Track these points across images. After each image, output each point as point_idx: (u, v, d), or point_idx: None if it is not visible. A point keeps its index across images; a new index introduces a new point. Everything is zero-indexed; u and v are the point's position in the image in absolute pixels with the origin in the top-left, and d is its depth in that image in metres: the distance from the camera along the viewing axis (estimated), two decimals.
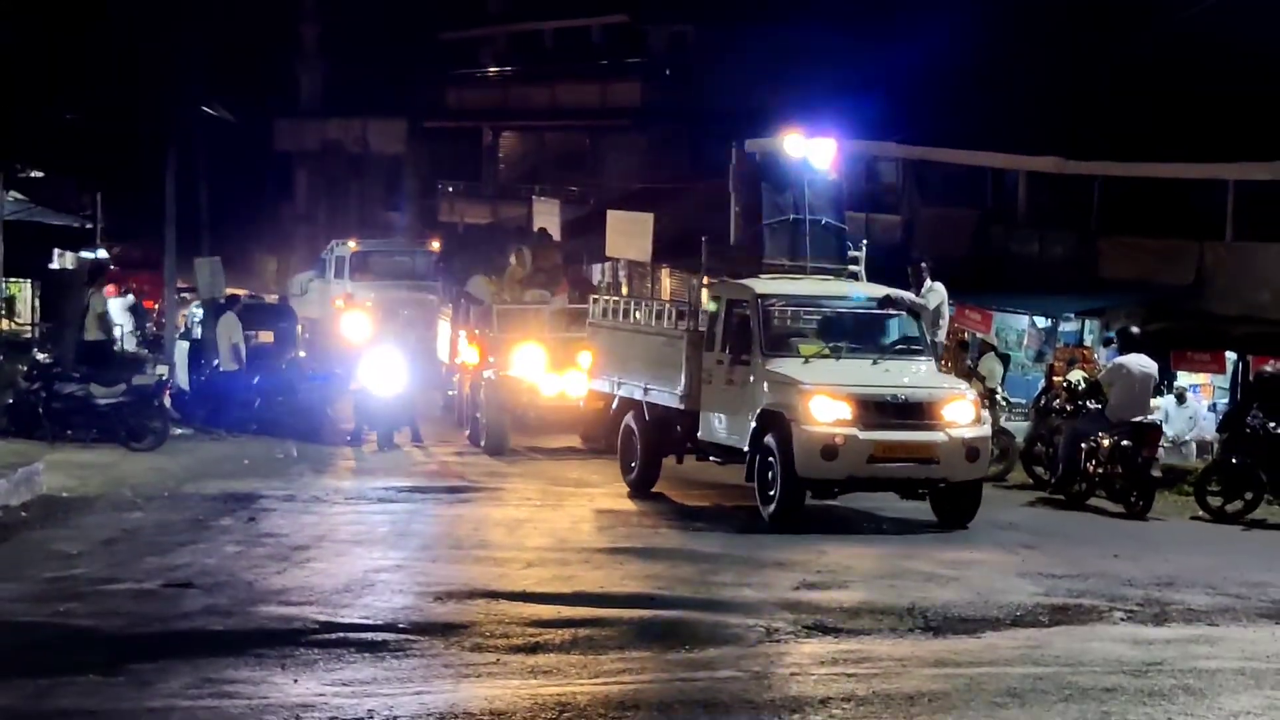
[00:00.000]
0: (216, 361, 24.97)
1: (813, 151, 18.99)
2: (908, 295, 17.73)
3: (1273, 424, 17.50)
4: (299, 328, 28.18)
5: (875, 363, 16.23)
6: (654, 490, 18.09)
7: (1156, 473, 17.60)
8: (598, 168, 44.47)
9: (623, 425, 18.35)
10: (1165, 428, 20.31)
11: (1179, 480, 19.17)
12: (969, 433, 15.62)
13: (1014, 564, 13.54)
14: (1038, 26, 31.01)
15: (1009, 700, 8.65)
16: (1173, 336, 23.70)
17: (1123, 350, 18.07)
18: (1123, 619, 11.28)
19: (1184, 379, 24.65)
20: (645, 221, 35.63)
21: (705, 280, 18.21)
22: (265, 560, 12.76)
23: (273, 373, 24.54)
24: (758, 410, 15.88)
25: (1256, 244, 25.00)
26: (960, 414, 15.70)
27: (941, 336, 18.66)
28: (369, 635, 9.96)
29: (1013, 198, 29.80)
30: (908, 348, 16.82)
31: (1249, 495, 17.39)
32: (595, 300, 20.47)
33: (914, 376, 16.25)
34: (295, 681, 8.69)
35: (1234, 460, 17.60)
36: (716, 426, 16.85)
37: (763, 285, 17.17)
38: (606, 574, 12.48)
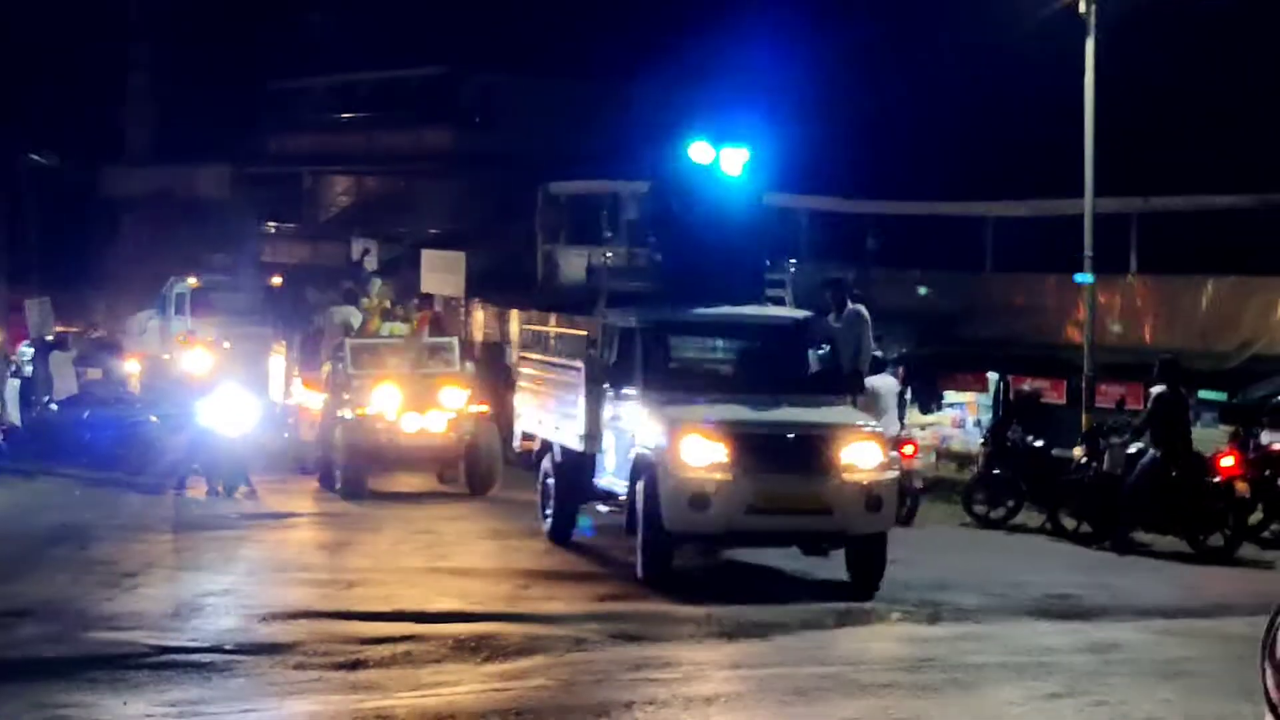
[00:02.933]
0: (48, 398, 24.31)
1: (725, 159, 15.04)
2: (825, 320, 15.10)
3: (1030, 437, 18.01)
4: (136, 366, 27.54)
5: (776, 398, 13.34)
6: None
7: (917, 483, 17.93)
8: (413, 209, 44.20)
9: (541, 468, 15.71)
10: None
11: (949, 490, 19.64)
12: (871, 478, 12.72)
13: (800, 572, 13.71)
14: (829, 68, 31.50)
15: (796, 698, 8.75)
16: (941, 359, 24.30)
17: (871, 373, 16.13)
18: (899, 619, 11.50)
19: (950, 397, 25.23)
20: (458, 260, 35.45)
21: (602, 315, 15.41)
22: (96, 587, 12.42)
23: (103, 408, 23.94)
24: (632, 454, 13.23)
25: (1015, 274, 25.72)
26: (861, 456, 12.75)
27: (864, 368, 15.22)
28: (196, 657, 9.74)
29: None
30: (821, 381, 14.03)
31: (1010, 503, 17.86)
32: (525, 328, 18.41)
33: (816, 413, 13.22)
34: (125, 704, 8.47)
35: (996, 471, 18.06)
36: (607, 470, 14.19)
37: (648, 312, 14.37)
38: (423, 592, 12.37)
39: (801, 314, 14.71)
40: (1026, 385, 19.75)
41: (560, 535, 15.12)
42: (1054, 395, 21.99)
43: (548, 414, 15.59)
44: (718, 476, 12.50)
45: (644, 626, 10.85)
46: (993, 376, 24.70)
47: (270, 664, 9.55)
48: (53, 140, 34.31)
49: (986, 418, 23.25)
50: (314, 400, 21.46)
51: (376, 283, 23.91)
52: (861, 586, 12.76)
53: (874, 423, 13.54)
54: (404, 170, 45.98)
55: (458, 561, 14.13)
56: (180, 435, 20.67)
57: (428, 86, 45.84)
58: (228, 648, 10.02)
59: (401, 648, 9.99)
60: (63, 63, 40.39)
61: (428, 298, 26.80)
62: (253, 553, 15.12)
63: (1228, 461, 15.89)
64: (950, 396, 24.96)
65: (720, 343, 15.14)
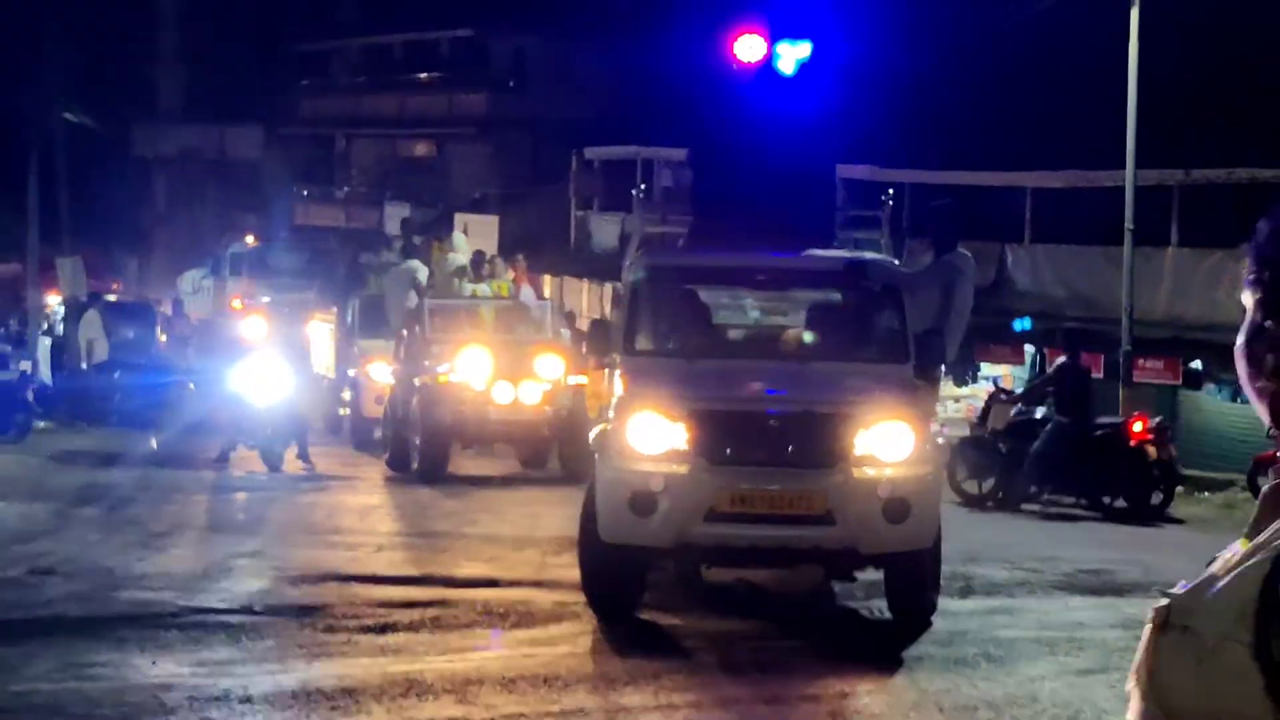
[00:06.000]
0: (78, 357, 24.51)
1: (783, 56, 11.60)
2: (888, 265, 11.59)
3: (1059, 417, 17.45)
4: (183, 326, 27.53)
5: (804, 366, 10.25)
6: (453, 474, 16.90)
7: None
8: (445, 174, 44.27)
9: None
10: None
11: None
12: (894, 475, 9.47)
13: None
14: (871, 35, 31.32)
15: (826, 669, 8.77)
16: (975, 331, 24.18)
17: None
18: None
19: (986, 369, 25.17)
20: (491, 224, 35.51)
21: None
22: (126, 547, 12.51)
23: (134, 369, 24.09)
24: (592, 435, 10.35)
25: (1053, 245, 25.62)
26: (881, 445, 9.54)
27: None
28: (226, 618, 9.81)
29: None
30: (881, 345, 10.70)
31: (993, 479, 17.19)
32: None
33: (832, 386, 9.94)
34: (154, 663, 8.54)
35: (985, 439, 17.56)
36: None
37: (650, 258, 11.54)
38: (452, 557, 12.42)
39: (858, 256, 11.34)
40: (1071, 323, 19.38)
41: None
42: (1092, 369, 21.91)
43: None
44: (667, 469, 9.43)
45: (673, 596, 10.87)
46: (1029, 349, 24.64)
47: (299, 626, 9.61)
48: (85, 98, 34.47)
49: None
50: (378, 370, 19.83)
51: (460, 237, 22.82)
52: (902, 623, 9.84)
53: (916, 401, 10.07)
54: (437, 134, 46.04)
55: (487, 528, 14.17)
56: (215, 401, 19.54)
57: (459, 49, 45.86)
58: (257, 609, 10.09)
59: (430, 612, 10.03)
60: (93, 19, 40.50)
61: (514, 253, 23.51)
62: (282, 515, 15.19)
63: (1138, 427, 16.52)
64: (986, 369, 24.90)
65: (743, 296, 11.88)
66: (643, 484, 9.44)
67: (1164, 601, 1.78)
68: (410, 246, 21.86)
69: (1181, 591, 1.78)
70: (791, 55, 11.73)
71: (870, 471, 9.50)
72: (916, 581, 9.81)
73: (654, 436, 9.54)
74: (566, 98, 39.81)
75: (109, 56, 43.17)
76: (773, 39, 11.63)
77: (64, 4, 32.59)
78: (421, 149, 47.70)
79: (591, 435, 10.19)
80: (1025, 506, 16.61)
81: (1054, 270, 25.44)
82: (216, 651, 8.87)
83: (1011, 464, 16.76)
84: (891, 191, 12.47)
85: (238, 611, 10.01)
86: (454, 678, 8.33)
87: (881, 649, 9.31)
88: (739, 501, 9.48)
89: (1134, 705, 1.77)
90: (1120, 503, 16.58)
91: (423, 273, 20.30)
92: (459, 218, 37.64)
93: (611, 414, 9.91)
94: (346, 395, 21.46)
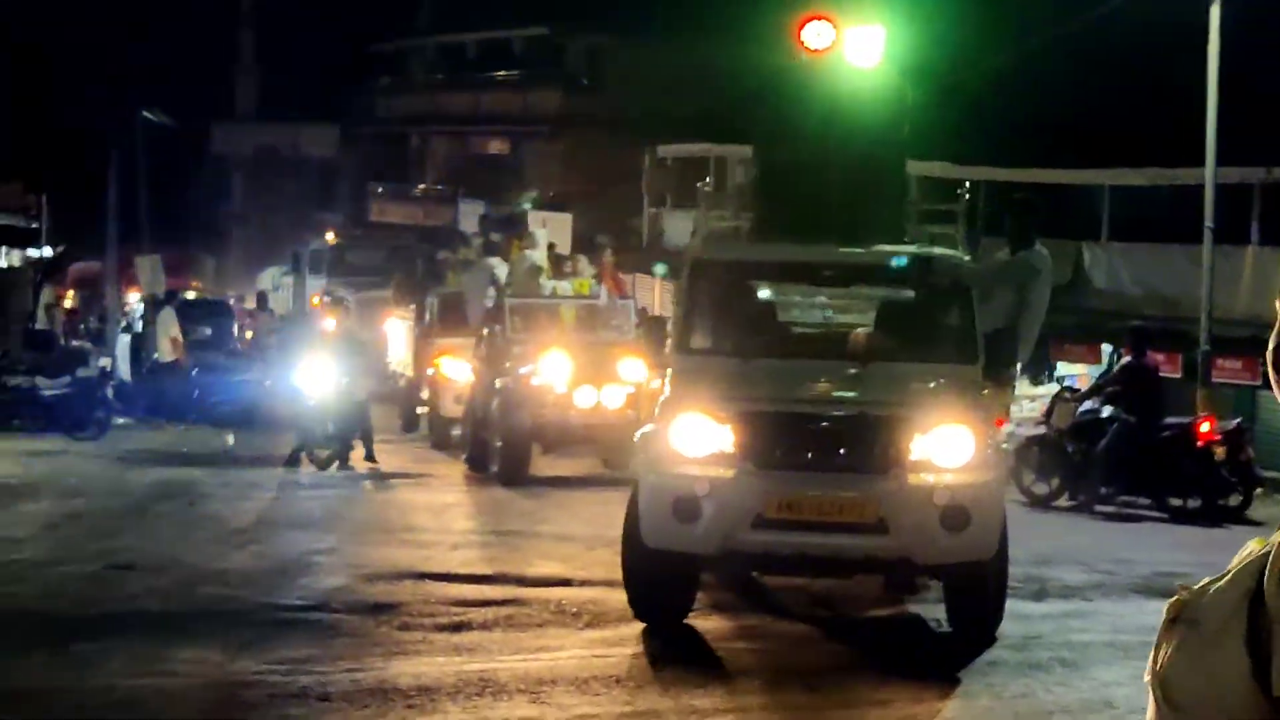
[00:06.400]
0: (156, 354, 24.81)
1: (854, 44, 10.95)
2: (957, 261, 10.65)
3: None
4: (267, 322, 27.72)
5: (865, 366, 9.71)
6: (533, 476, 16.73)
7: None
8: (519, 171, 44.44)
9: None
10: None
11: None
12: (952, 482, 9.11)
13: None
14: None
15: (898, 674, 8.75)
16: (1052, 330, 23.99)
17: None
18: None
19: (1062, 368, 24.96)
20: (564, 221, 35.61)
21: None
22: (204, 544, 12.68)
23: (210, 366, 24.37)
24: (636, 436, 10.11)
25: (1131, 244, 25.38)
26: (940, 450, 9.19)
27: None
28: (303, 615, 9.92)
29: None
30: (941, 345, 10.21)
31: (1056, 480, 17.04)
32: None
33: (890, 387, 9.56)
34: (233, 660, 8.66)
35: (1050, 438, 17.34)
36: None
37: (709, 248, 11.12)
38: (525, 556, 12.48)
39: (925, 251, 10.67)
40: (1138, 322, 19.13)
41: None
42: (1169, 368, 21.68)
43: None
44: (712, 473, 9.12)
45: (744, 598, 10.88)
46: (1106, 348, 24.41)
47: (375, 624, 9.70)
48: (164, 99, 34.91)
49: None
50: (457, 370, 19.49)
51: (542, 233, 22.32)
52: (962, 636, 9.49)
53: (980, 404, 9.63)
54: (511, 131, 46.23)
55: (560, 527, 14.22)
56: (286, 399, 19.47)
57: (533, 47, 46.03)
58: (334, 606, 10.18)
59: (504, 611, 10.09)
60: (173, 21, 41.00)
61: (599, 249, 22.95)
62: (357, 512, 15.33)
63: (1205, 427, 16.39)
64: (1062, 368, 24.70)
65: (801, 293, 11.47)
66: (686, 488, 9.14)
67: (1177, 597, 1.85)
68: (490, 244, 21.73)
69: (1195, 588, 1.84)
70: (862, 43, 11.17)
71: (927, 478, 9.11)
72: (978, 595, 9.40)
73: (699, 439, 9.25)
74: (640, 95, 39.84)
75: (188, 57, 43.68)
76: (843, 26, 11.07)
77: (144, 6, 33.02)
78: (496, 146, 47.90)
79: (636, 436, 9.93)
80: (1097, 508, 16.48)
81: (1131, 269, 25.20)
82: (296, 649, 8.96)
83: (1077, 464, 16.65)
84: (968, 184, 12.10)
85: (315, 609, 10.12)
86: (527, 677, 8.39)
87: (954, 653, 9.27)
88: (786, 508, 9.14)
89: (1149, 701, 1.82)
90: (1194, 503, 16.38)
91: (502, 270, 20.12)
92: (532, 215, 37.81)
93: (657, 414, 9.70)
94: (425, 394, 21.23)
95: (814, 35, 10.99)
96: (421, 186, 45.89)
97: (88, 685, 8.05)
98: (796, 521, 9.13)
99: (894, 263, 10.50)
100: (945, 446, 9.17)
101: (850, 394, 9.55)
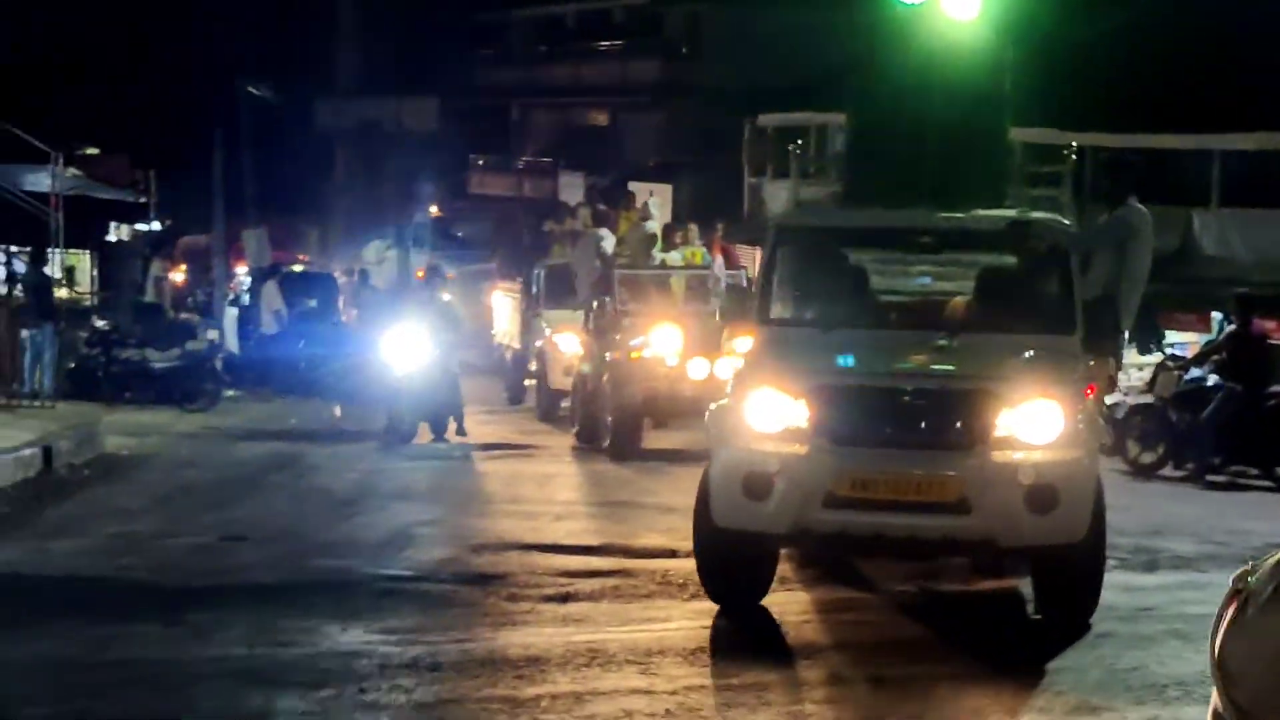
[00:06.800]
0: (262, 327, 25.15)
1: None
2: (1056, 224, 10.17)
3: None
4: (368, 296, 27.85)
5: (949, 338, 9.32)
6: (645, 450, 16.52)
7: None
8: (618, 142, 44.46)
9: None
10: None
11: None
12: (1040, 460, 8.59)
13: None
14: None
15: (1007, 646, 8.68)
16: (1161, 298, 23.64)
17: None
18: (1115, 567, 11.26)
19: (1172, 337, 24.57)
20: (664, 192, 35.58)
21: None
22: (313, 514, 12.84)
23: (316, 338, 24.63)
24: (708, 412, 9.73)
25: (1241, 210, 24.92)
26: (1027, 425, 8.67)
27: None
28: (412, 585, 10.01)
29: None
30: (1038, 314, 9.73)
31: (1162, 448, 16.88)
32: None
33: (978, 360, 9.15)
34: (345, 630, 8.74)
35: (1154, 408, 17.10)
36: None
37: (791, 215, 11.18)
38: (630, 527, 12.51)
39: (1023, 214, 10.27)
40: (1243, 289, 18.83)
41: None
42: (1268, 336, 21.27)
43: None
44: (784, 449, 8.72)
45: (849, 568, 10.83)
46: (1216, 316, 24.00)
47: (484, 594, 9.77)
48: (268, 74, 35.28)
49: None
50: (566, 342, 19.30)
51: (655, 202, 21.99)
52: (1054, 623, 9.07)
53: (1074, 377, 9.10)
54: (610, 102, 46.24)
55: (664, 498, 14.22)
56: (381, 371, 18.62)
57: (633, 16, 45.98)
58: (442, 577, 10.27)
59: (610, 582, 10.13)
60: None
61: (711, 221, 22.52)
62: (462, 483, 15.45)
63: None
64: (1171, 336, 24.32)
65: (887, 261, 10.82)
66: (757, 465, 8.73)
67: (1242, 569, 1.83)
68: (598, 213, 21.49)
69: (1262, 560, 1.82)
70: None
71: (1012, 455, 8.58)
72: (1068, 580, 8.96)
73: (771, 413, 8.80)
74: (740, 64, 39.66)
75: (291, 33, 44.08)
76: None
77: None
78: (595, 117, 47.92)
79: (707, 412, 9.56)
80: (1207, 478, 16.22)
81: (1242, 235, 24.74)
82: (404, 619, 9.05)
83: (1182, 433, 16.44)
84: (1075, 145, 11.42)
85: (423, 579, 10.21)
86: (635, 648, 8.41)
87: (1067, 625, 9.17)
88: (860, 486, 8.67)
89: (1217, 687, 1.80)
90: None
91: (609, 241, 19.93)
92: (633, 186, 37.82)
93: (729, 389, 9.38)
94: (532, 366, 21.12)
95: None
96: (528, 159, 45.96)
97: (204, 655, 8.17)
98: (871, 500, 8.67)
99: (986, 227, 10.07)
100: (1033, 422, 8.67)
101: (933, 366, 9.11)
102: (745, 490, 8.75)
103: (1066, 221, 10.37)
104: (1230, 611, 1.81)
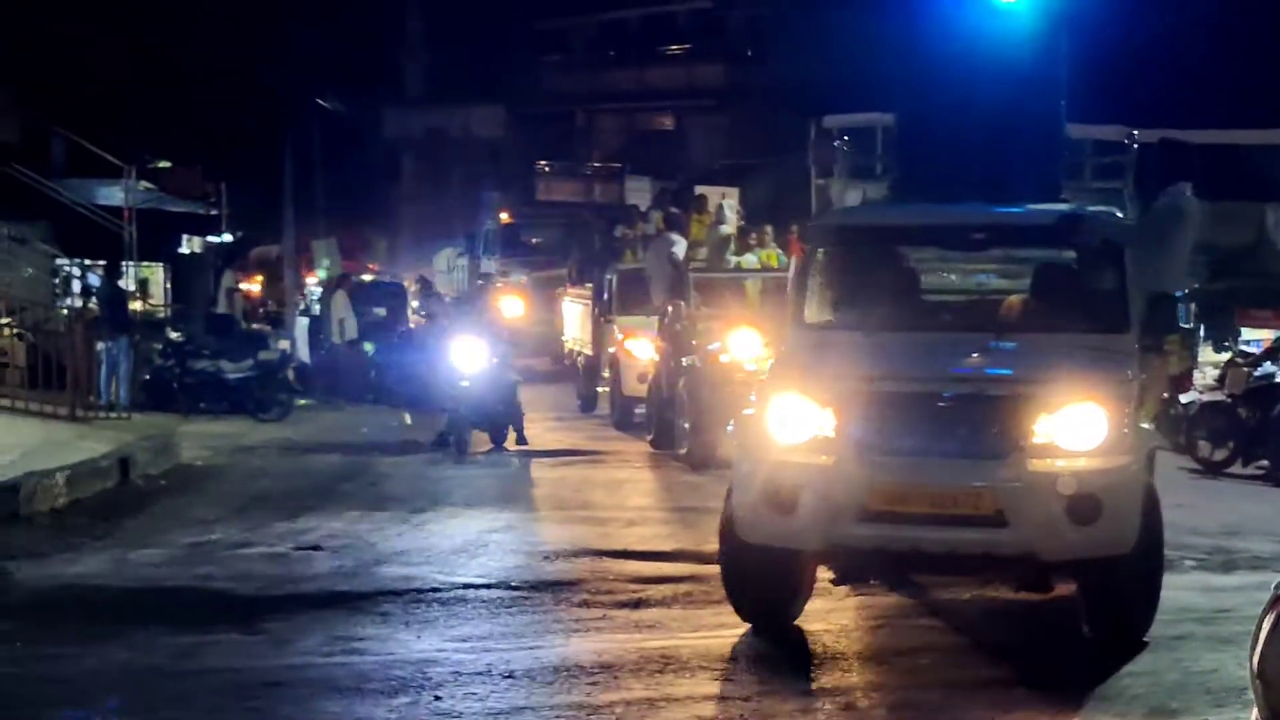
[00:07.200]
0: (331, 336, 25.35)
1: None
2: (1109, 218, 9.86)
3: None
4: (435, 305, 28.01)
5: (998, 339, 8.88)
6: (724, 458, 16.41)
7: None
8: (684, 146, 44.48)
9: None
10: None
11: None
12: (1080, 468, 8.04)
13: None
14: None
15: (1080, 649, 8.61)
16: (1236, 294, 23.38)
17: None
18: (1192, 567, 11.16)
19: (1247, 334, 24.28)
20: (732, 195, 35.55)
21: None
22: (386, 523, 12.92)
23: (385, 346, 24.79)
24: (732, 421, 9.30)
25: None
26: (1068, 431, 8.11)
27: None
28: (484, 593, 10.06)
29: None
30: (1090, 313, 9.19)
31: (1231, 444, 16.77)
32: None
33: (1019, 361, 8.67)
34: (418, 638, 8.81)
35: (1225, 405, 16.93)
36: None
37: (830, 215, 10.83)
38: (702, 533, 12.45)
39: (1075, 209, 9.82)
40: None
41: None
42: None
43: None
44: (811, 460, 8.23)
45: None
46: None
47: (555, 601, 9.80)
48: (336, 85, 35.57)
49: None
50: (640, 348, 19.23)
51: (729, 204, 21.55)
52: (1104, 639, 8.52)
53: (1122, 379, 8.52)
54: (675, 106, 46.28)
55: None
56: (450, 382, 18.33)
57: (696, 20, 46.01)
58: (513, 584, 10.31)
59: (682, 588, 10.13)
60: (343, 8, 41.66)
61: (784, 223, 21.90)
62: (532, 491, 15.49)
63: None
64: (1247, 333, 24.03)
65: (938, 260, 10.40)
66: (785, 478, 8.22)
67: None
68: (670, 217, 21.33)
69: None
70: None
71: (1053, 463, 8.02)
72: (1117, 594, 8.39)
73: (799, 422, 8.30)
74: (804, 66, 39.61)
75: (359, 44, 44.39)
76: None
77: None
78: (660, 122, 47.95)
79: (731, 421, 9.10)
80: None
81: None
82: (478, 626, 9.10)
83: (1252, 430, 16.28)
84: (1137, 134, 11.06)
85: (495, 587, 10.25)
86: (709, 654, 8.41)
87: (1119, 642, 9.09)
88: (893, 499, 8.14)
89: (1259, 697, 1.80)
90: None
91: (680, 246, 19.76)
92: (699, 189, 37.80)
93: (754, 397, 8.86)
94: (605, 373, 20.95)
95: None
96: (595, 164, 46.05)
97: (282, 664, 8.24)
98: (905, 514, 8.13)
99: (1035, 222, 9.53)
100: (1073, 428, 8.09)
101: (971, 370, 8.51)
102: (770, 503, 8.27)
103: (1120, 215, 9.77)
104: (1270, 619, 1.81)
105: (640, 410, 19.18)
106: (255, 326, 28.20)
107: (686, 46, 46.01)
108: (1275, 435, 16.05)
